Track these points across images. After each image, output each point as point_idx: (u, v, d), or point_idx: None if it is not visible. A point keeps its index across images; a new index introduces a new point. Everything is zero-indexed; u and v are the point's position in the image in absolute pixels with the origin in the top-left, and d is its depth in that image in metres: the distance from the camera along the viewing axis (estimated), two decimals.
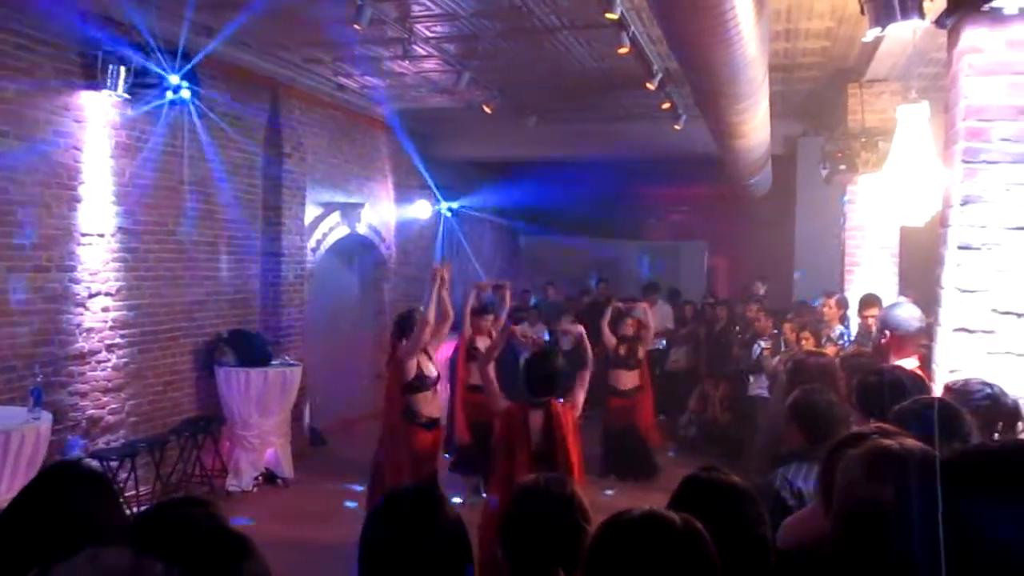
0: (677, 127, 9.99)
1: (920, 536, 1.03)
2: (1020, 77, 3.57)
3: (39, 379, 6.22)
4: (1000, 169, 3.58)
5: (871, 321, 6.87)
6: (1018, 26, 3.56)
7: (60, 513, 2.12)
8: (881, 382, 3.20)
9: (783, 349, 7.68)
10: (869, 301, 7.12)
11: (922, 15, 3.70)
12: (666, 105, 9.25)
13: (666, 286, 14.03)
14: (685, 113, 9.64)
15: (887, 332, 4.53)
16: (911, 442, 1.79)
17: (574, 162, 13.18)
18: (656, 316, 12.27)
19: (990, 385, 3.03)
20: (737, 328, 10.30)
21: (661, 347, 11.78)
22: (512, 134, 11.63)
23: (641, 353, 8.97)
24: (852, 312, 7.98)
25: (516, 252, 17.26)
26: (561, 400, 4.69)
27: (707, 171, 12.15)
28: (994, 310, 3.57)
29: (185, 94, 7.28)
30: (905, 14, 3.67)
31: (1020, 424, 2.96)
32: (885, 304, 6.88)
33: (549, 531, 2.15)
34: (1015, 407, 2.97)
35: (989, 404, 2.95)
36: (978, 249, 3.60)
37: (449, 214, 13.22)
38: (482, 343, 8.14)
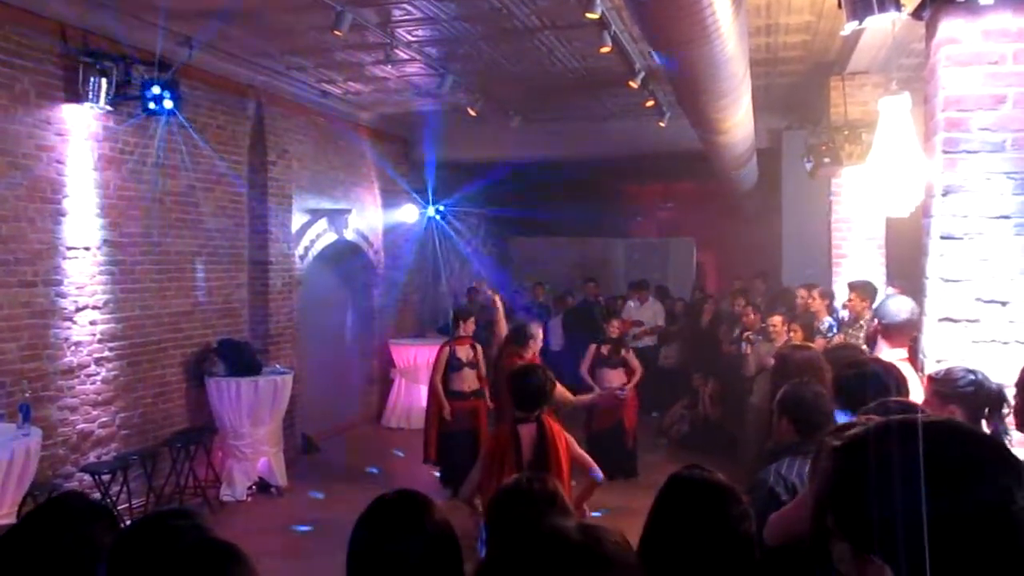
0: (662, 124, 10.02)
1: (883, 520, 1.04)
2: (997, 67, 3.59)
3: (28, 394, 6.19)
4: (980, 158, 3.61)
5: (850, 304, 6.97)
6: (993, 16, 3.59)
7: (60, 545, 2.11)
8: (857, 375, 3.22)
9: (770, 342, 7.69)
10: (850, 287, 7.19)
11: (899, 7, 3.72)
12: (650, 103, 9.27)
13: (655, 283, 14.03)
14: (669, 110, 9.67)
15: (878, 321, 4.60)
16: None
17: (560, 162, 13.19)
18: (647, 313, 12.34)
19: (973, 372, 3.06)
20: (724, 325, 10.33)
21: (651, 344, 11.81)
22: (497, 136, 11.63)
23: (624, 352, 9.01)
24: (840, 303, 8.03)
25: (504, 253, 17.26)
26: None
27: (693, 167, 12.17)
28: (978, 299, 3.60)
29: (167, 104, 7.24)
30: (882, 7, 3.68)
31: (1005, 408, 2.98)
32: (868, 288, 6.96)
33: (534, 528, 2.15)
34: (999, 392, 3.00)
35: (974, 390, 2.98)
36: (960, 239, 3.62)
37: (437, 217, 13.21)
38: (462, 353, 8.19)
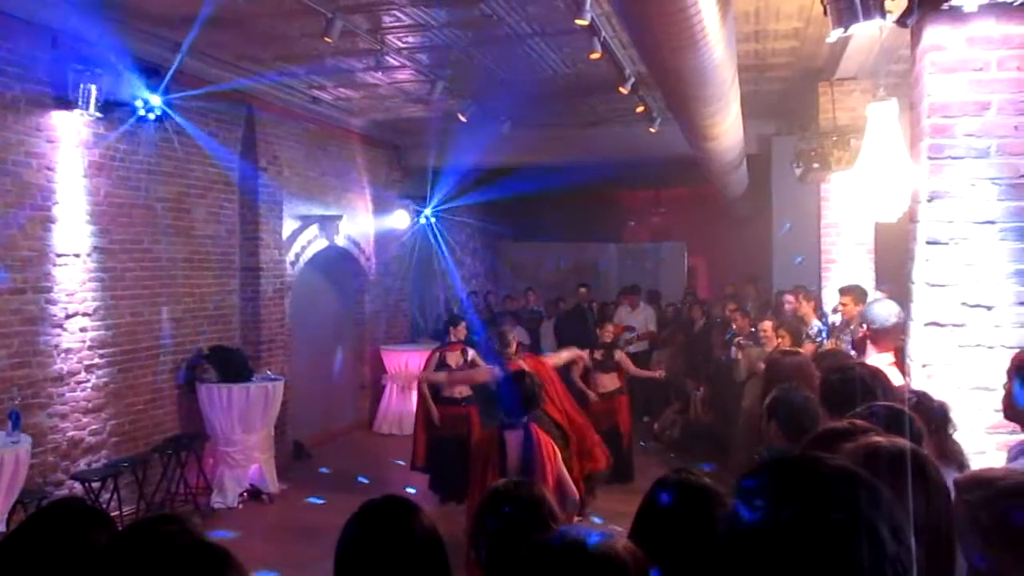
0: (652, 130, 10.05)
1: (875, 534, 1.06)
2: (981, 73, 3.62)
3: (17, 402, 6.18)
4: (965, 164, 3.63)
5: (842, 309, 7.00)
6: (978, 23, 3.62)
7: (59, 550, 2.12)
8: (843, 380, 3.25)
9: (761, 347, 7.71)
10: (840, 291, 7.22)
11: (884, 15, 3.74)
12: (640, 108, 9.29)
13: (646, 288, 14.05)
14: (660, 116, 9.69)
15: (865, 326, 4.64)
16: (869, 440, 1.82)
17: (551, 167, 13.21)
18: (639, 318, 12.35)
19: (916, 393, 3.13)
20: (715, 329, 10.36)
21: (639, 349, 11.82)
22: (488, 141, 11.63)
23: (618, 356, 9.02)
24: (829, 308, 8.06)
25: (496, 258, 17.27)
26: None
27: (684, 172, 12.19)
28: (963, 303, 3.61)
29: (158, 111, 7.25)
30: (867, 14, 3.71)
31: (951, 427, 3.02)
32: (861, 293, 6.99)
33: (520, 532, 2.17)
34: (941, 408, 3.04)
35: (918, 410, 3.03)
36: (946, 244, 3.64)
37: (428, 222, 13.21)
38: (452, 359, 8.19)
